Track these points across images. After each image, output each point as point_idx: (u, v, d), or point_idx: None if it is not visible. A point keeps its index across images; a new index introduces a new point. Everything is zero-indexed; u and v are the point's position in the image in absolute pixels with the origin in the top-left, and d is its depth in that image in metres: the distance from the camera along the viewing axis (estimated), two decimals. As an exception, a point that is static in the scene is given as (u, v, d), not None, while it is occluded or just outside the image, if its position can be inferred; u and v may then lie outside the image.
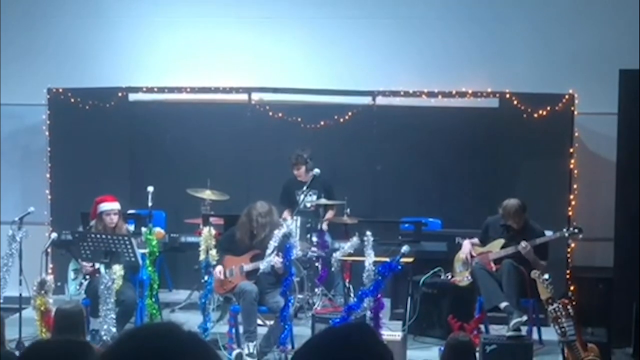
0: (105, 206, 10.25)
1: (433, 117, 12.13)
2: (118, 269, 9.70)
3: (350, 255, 9.82)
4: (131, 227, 10.69)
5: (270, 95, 12.51)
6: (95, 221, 10.31)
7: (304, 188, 11.38)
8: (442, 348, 7.56)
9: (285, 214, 11.27)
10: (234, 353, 9.56)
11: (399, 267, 9.07)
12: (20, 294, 9.82)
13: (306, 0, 12.80)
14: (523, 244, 9.94)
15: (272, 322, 9.80)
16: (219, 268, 9.97)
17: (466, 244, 10.52)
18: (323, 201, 11.57)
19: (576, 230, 10.18)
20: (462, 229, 11.16)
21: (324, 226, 11.51)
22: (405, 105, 12.26)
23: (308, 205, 11.50)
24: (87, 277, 10.24)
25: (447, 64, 12.38)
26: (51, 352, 2.58)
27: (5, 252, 9.88)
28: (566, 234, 10.24)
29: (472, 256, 10.39)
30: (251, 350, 9.55)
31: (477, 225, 10.74)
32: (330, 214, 11.69)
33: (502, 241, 10.28)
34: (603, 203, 11.17)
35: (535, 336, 10.13)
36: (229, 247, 10.12)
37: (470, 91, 12.04)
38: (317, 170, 11.27)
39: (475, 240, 10.55)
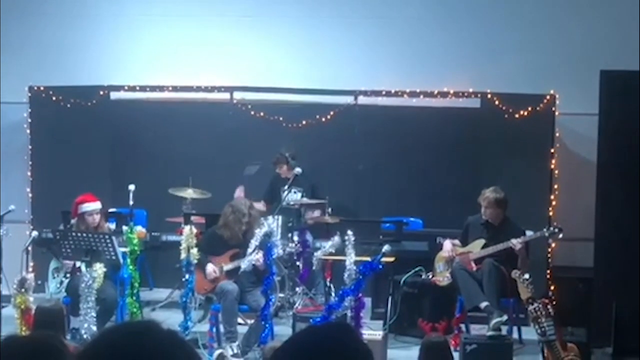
0: (86, 207, 10.24)
1: (415, 117, 12.15)
2: (99, 268, 9.68)
3: (331, 254, 9.84)
4: (112, 226, 10.69)
5: (252, 95, 12.50)
6: (76, 221, 10.29)
7: (286, 186, 11.41)
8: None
9: (261, 205, 11.36)
10: (215, 353, 9.55)
11: (380, 266, 9.10)
12: (0, 292, 9.79)
13: (288, -1, 12.81)
14: (514, 240, 9.96)
15: (252, 321, 9.81)
16: (212, 267, 9.99)
17: (447, 244, 10.54)
18: (305, 200, 11.59)
19: (556, 230, 10.20)
20: (443, 229, 11.17)
21: (309, 220, 11.53)
22: (387, 105, 12.27)
23: (291, 203, 11.51)
24: (68, 275, 10.22)
25: (429, 64, 12.40)
26: (26, 347, 2.57)
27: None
28: (546, 234, 10.27)
29: (452, 257, 10.42)
30: (235, 351, 9.55)
31: (458, 225, 10.77)
32: (316, 213, 11.67)
33: (482, 241, 10.32)
34: (583, 203, 11.20)
35: (515, 336, 10.18)
36: (210, 248, 10.12)
37: (452, 91, 12.06)
38: (298, 170, 11.33)
39: (456, 241, 10.58)
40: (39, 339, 2.65)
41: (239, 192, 11.65)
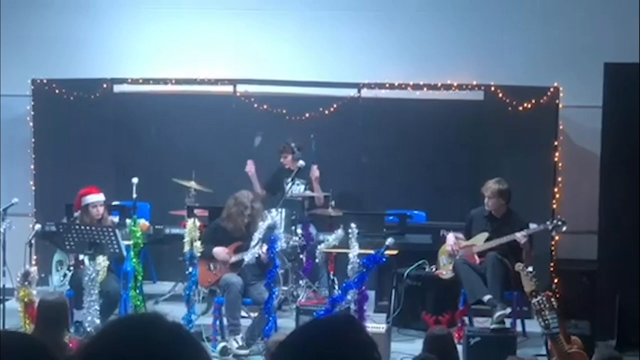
0: (91, 198, 10.24)
1: (418, 109, 12.14)
2: (102, 261, 9.68)
3: (334, 247, 9.84)
4: (116, 219, 10.68)
5: (255, 87, 12.50)
6: (80, 213, 10.28)
7: (289, 179, 11.40)
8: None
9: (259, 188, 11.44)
10: (219, 346, 9.56)
11: (384, 259, 9.10)
12: (4, 286, 9.80)
13: (292, -8, 12.80)
14: (518, 234, 9.96)
15: (256, 314, 9.82)
16: (220, 248, 10.00)
17: (450, 237, 10.54)
18: (309, 193, 11.59)
19: (560, 223, 10.19)
20: (447, 222, 11.18)
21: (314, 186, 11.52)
22: (390, 98, 12.26)
23: (295, 193, 11.49)
24: (71, 268, 10.23)
25: (433, 57, 12.38)
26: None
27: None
28: (550, 227, 10.25)
29: (455, 250, 10.41)
30: (240, 343, 9.56)
31: (461, 217, 10.77)
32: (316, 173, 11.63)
33: (485, 234, 10.31)
34: (587, 196, 11.19)
35: (519, 328, 10.17)
36: (214, 240, 10.12)
37: (455, 84, 12.05)
38: (301, 162, 11.31)
39: (460, 234, 10.57)
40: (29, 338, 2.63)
41: (250, 165, 11.66)
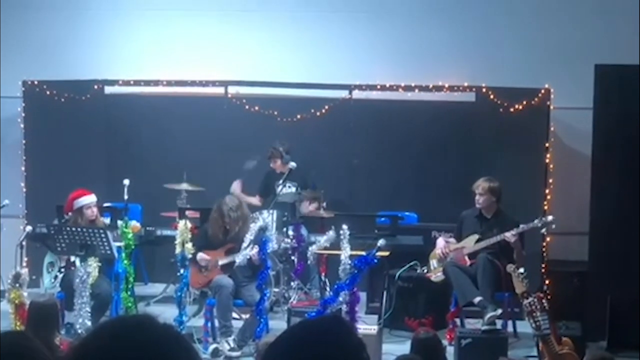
0: (85, 200, 10.23)
1: (410, 111, 12.15)
2: (93, 262, 9.67)
3: (326, 248, 9.83)
4: (107, 220, 10.67)
5: (247, 89, 12.49)
6: (74, 215, 10.25)
7: (280, 181, 11.39)
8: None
9: (255, 199, 11.39)
10: (210, 347, 9.56)
11: (375, 260, 9.10)
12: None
13: (283, -7, 12.79)
14: (507, 234, 9.97)
15: (247, 316, 9.81)
16: (201, 255, 9.99)
17: (440, 241, 10.56)
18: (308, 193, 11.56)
19: (549, 220, 10.21)
20: (438, 223, 11.19)
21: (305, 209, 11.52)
22: (382, 99, 12.27)
23: (287, 192, 11.48)
24: (62, 270, 10.21)
25: (424, 58, 12.38)
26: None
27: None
28: (539, 225, 10.25)
29: (445, 253, 10.41)
30: (232, 345, 9.56)
31: (452, 219, 10.77)
32: (312, 207, 11.64)
33: (476, 236, 10.32)
34: (578, 197, 11.21)
35: (510, 329, 10.18)
36: (204, 244, 10.12)
37: (447, 85, 12.05)
38: (293, 164, 11.31)
39: (451, 239, 10.58)
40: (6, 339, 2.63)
41: (236, 186, 11.65)
